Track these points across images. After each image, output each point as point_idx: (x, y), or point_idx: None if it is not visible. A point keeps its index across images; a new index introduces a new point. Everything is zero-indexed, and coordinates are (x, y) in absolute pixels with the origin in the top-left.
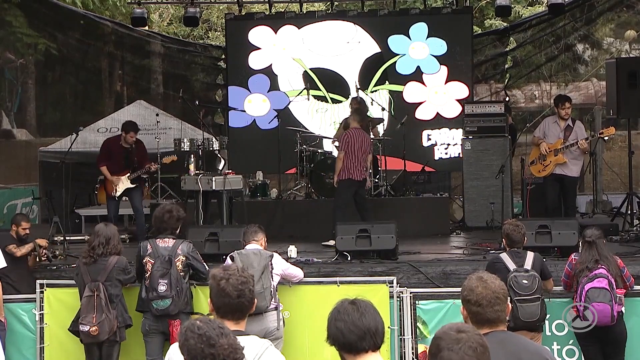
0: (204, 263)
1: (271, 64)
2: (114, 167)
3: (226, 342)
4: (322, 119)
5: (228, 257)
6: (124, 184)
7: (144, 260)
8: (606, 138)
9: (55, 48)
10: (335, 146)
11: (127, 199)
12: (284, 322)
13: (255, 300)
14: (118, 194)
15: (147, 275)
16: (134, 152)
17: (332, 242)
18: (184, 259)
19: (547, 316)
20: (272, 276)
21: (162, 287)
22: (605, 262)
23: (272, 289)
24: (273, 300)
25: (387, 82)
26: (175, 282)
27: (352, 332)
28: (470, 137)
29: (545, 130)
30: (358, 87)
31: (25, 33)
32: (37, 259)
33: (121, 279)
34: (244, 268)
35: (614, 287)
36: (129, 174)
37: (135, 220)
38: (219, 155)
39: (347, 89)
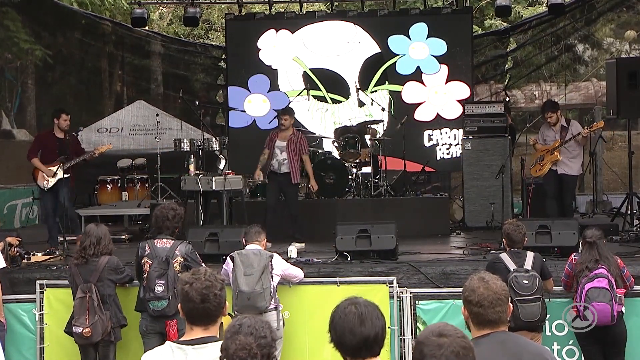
0: (203, 264)
1: (271, 64)
2: (47, 159)
3: (243, 340)
4: (322, 119)
5: (228, 258)
6: (56, 174)
7: (142, 261)
8: (596, 131)
9: (51, 55)
10: (335, 146)
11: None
12: (283, 322)
13: (226, 304)
14: (50, 185)
15: (144, 275)
16: (68, 145)
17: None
18: (181, 260)
19: (547, 316)
20: (272, 276)
21: (159, 288)
22: (606, 263)
23: (271, 290)
24: (273, 300)
25: (387, 82)
26: (173, 283)
27: (350, 339)
28: (471, 137)
29: (543, 136)
30: (358, 87)
31: (22, 38)
32: (8, 258)
33: (113, 278)
34: (213, 272)
35: (614, 287)
36: (61, 165)
37: (63, 214)
38: (220, 155)
39: (347, 89)
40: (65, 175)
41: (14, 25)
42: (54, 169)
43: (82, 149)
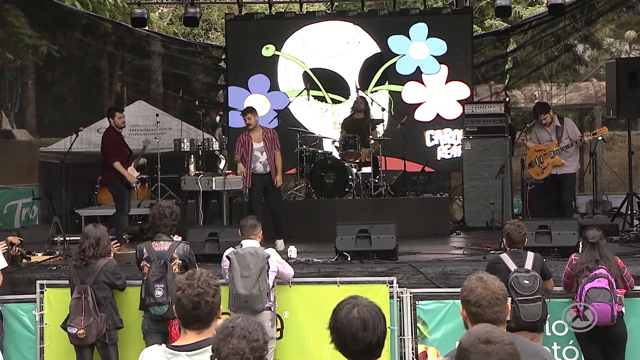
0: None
1: (271, 64)
2: (124, 159)
3: (236, 344)
4: (322, 120)
5: (224, 256)
6: (135, 173)
7: (141, 264)
8: (600, 137)
9: (57, 49)
10: (335, 147)
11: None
12: (280, 322)
13: (220, 308)
14: (134, 184)
15: (144, 279)
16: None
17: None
18: (180, 262)
19: (548, 316)
20: (268, 275)
21: (158, 293)
22: (606, 263)
23: (268, 291)
24: (268, 300)
25: (387, 82)
26: (172, 287)
27: (352, 345)
28: (470, 137)
29: (537, 135)
30: (358, 87)
31: (27, 34)
32: (9, 258)
33: (110, 282)
34: (207, 277)
35: (614, 287)
36: (133, 164)
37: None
38: (220, 155)
39: (347, 89)
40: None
41: (18, 21)
42: (133, 169)
43: None
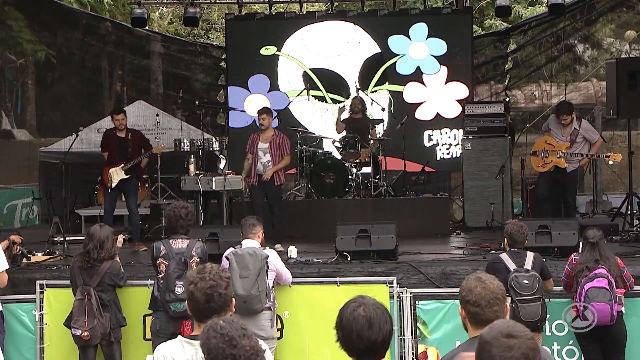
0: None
1: (271, 64)
2: (110, 158)
3: (248, 343)
4: (322, 120)
5: (223, 257)
6: (118, 174)
7: (158, 262)
8: (611, 162)
9: (54, 55)
10: (336, 146)
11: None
12: (280, 322)
13: (233, 300)
14: (113, 185)
15: (161, 276)
16: (129, 143)
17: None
18: (198, 260)
19: (548, 316)
20: (267, 275)
21: (179, 289)
22: (606, 263)
23: (267, 290)
24: (268, 300)
25: (387, 82)
26: None
27: (357, 342)
28: (470, 137)
29: (552, 128)
30: (358, 87)
31: (25, 39)
32: (10, 257)
33: (114, 284)
34: (218, 270)
35: (614, 287)
36: (122, 165)
37: (130, 220)
38: (220, 155)
39: (347, 89)
40: (127, 176)
41: (17, 25)
42: (116, 170)
43: (149, 145)
